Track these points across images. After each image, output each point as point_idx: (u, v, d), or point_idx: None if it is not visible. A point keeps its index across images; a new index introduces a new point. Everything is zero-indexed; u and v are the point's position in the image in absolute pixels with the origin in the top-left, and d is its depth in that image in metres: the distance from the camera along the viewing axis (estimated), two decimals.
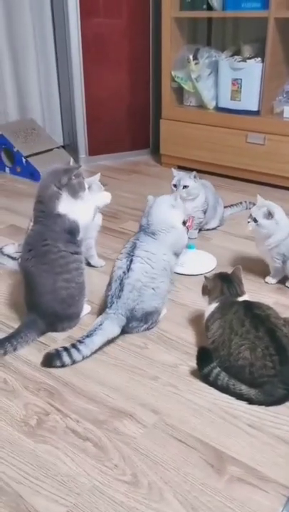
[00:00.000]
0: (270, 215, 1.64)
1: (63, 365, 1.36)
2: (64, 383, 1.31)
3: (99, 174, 1.75)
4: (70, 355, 1.36)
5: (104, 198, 1.65)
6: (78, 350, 1.36)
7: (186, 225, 1.62)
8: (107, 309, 1.45)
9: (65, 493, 1.02)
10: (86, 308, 1.59)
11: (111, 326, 1.42)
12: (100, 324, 1.41)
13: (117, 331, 1.43)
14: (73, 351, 1.36)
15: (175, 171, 2.06)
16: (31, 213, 1.77)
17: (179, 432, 1.16)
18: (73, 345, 1.37)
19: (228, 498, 1.00)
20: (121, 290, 1.44)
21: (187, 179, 2.01)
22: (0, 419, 1.20)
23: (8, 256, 1.92)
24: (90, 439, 1.15)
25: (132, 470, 1.07)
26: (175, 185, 2.02)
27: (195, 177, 2.03)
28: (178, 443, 1.13)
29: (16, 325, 1.52)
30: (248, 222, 1.68)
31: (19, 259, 1.86)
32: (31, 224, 1.72)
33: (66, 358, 1.36)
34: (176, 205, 1.56)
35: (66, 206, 1.43)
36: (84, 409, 1.23)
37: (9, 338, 1.43)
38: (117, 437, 1.15)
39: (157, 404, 1.24)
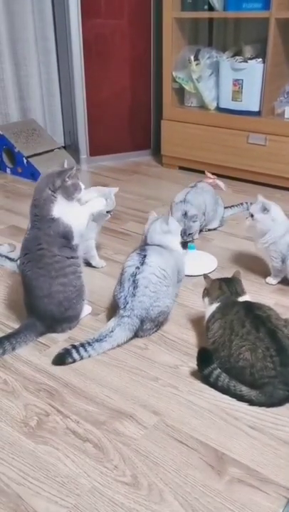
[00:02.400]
0: (265, 209, 1.67)
1: (74, 361, 1.38)
2: (64, 384, 1.31)
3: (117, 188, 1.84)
4: (78, 352, 1.38)
5: (98, 204, 1.59)
6: (86, 350, 1.39)
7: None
8: (121, 311, 1.43)
9: (65, 494, 1.02)
10: (87, 309, 1.59)
11: (122, 333, 1.42)
12: (112, 331, 1.41)
13: (128, 336, 1.44)
14: (81, 350, 1.38)
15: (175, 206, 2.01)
16: None
17: (179, 433, 1.16)
18: (82, 345, 1.39)
19: (229, 499, 1.00)
20: (135, 287, 1.41)
21: (191, 209, 1.97)
22: (0, 420, 1.20)
23: (6, 257, 1.92)
24: (90, 440, 1.14)
25: (132, 471, 1.07)
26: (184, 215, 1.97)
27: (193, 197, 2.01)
28: (178, 444, 1.13)
29: (15, 325, 1.53)
30: (246, 218, 1.73)
31: (17, 261, 1.87)
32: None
33: (75, 355, 1.38)
34: (167, 230, 1.57)
35: (61, 210, 1.42)
36: (84, 410, 1.23)
37: (8, 338, 1.43)
38: (117, 438, 1.15)
39: (158, 405, 1.24)
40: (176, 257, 1.54)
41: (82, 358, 1.38)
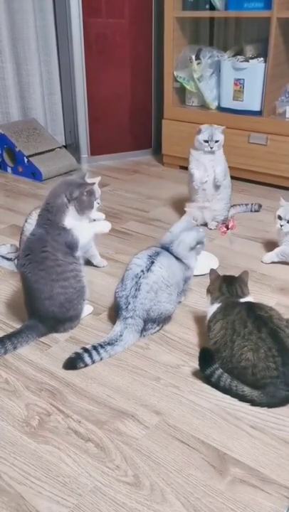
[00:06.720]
0: None
1: (86, 365, 1.36)
2: (66, 384, 1.31)
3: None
4: (90, 356, 1.37)
5: (104, 226, 1.57)
6: (99, 353, 1.38)
7: (230, 226, 1.74)
8: (123, 311, 1.43)
9: (66, 494, 1.02)
10: (88, 309, 1.59)
11: (131, 335, 1.43)
12: (121, 335, 1.42)
13: (136, 337, 1.45)
14: (94, 353, 1.37)
15: (203, 127, 2.08)
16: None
17: (181, 433, 1.16)
18: (94, 348, 1.38)
19: (231, 499, 1.00)
20: (138, 289, 1.42)
21: (218, 134, 2.09)
22: (2, 420, 1.20)
23: (3, 257, 1.92)
24: (92, 439, 1.14)
25: (133, 471, 1.07)
26: (207, 141, 2.06)
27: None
28: (180, 444, 1.13)
29: (16, 324, 1.52)
30: (279, 221, 1.84)
31: (15, 260, 1.87)
32: (27, 224, 1.72)
33: (87, 359, 1.36)
34: (194, 248, 1.56)
35: (72, 221, 1.44)
36: (86, 409, 1.23)
37: (10, 337, 1.43)
38: (119, 438, 1.15)
39: (159, 405, 1.24)
40: (186, 274, 1.54)
41: (94, 362, 1.37)
